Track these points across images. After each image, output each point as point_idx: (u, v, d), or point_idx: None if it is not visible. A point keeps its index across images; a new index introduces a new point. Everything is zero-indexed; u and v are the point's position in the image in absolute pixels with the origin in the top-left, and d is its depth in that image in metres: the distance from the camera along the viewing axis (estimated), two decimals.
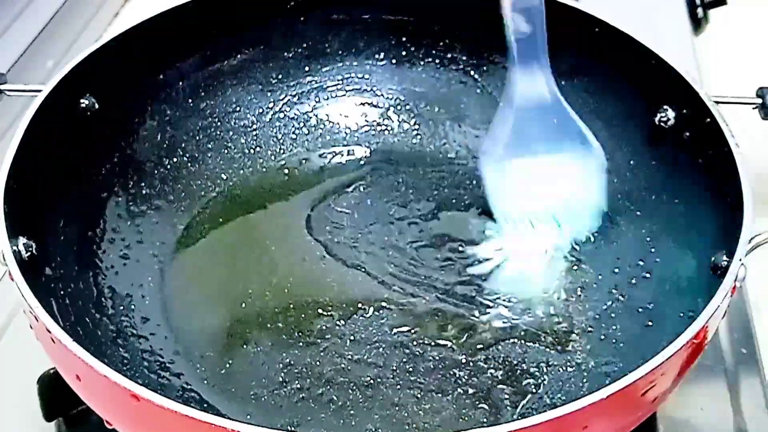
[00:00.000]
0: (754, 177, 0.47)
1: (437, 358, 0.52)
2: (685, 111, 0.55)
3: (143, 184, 0.60)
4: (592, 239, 0.58)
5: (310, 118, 0.66)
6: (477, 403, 0.50)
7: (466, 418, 0.49)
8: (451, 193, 0.63)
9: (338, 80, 0.66)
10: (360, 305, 0.55)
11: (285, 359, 0.52)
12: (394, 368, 0.52)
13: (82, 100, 0.55)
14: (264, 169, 0.64)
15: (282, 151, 0.65)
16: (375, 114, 0.66)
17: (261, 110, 0.65)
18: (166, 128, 0.62)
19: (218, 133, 0.64)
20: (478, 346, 0.53)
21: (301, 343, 0.53)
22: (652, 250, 0.56)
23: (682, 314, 0.49)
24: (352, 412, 0.49)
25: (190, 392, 0.50)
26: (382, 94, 0.67)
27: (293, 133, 0.66)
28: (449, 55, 0.66)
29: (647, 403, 0.42)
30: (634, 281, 0.55)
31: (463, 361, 0.52)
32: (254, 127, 0.65)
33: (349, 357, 0.52)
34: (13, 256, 0.44)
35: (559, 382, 0.51)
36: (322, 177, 0.64)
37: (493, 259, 0.58)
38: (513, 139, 0.58)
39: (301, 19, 0.64)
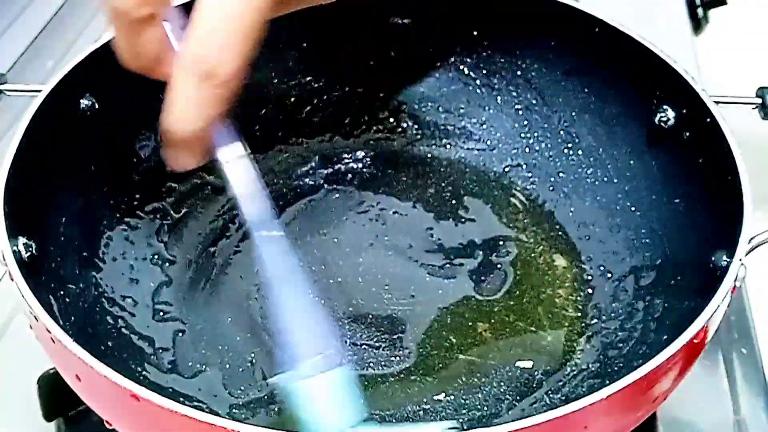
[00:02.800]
0: (754, 177, 0.47)
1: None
2: (685, 111, 0.55)
3: (143, 184, 0.60)
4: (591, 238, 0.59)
5: (311, 118, 0.66)
6: (476, 402, 0.50)
7: (466, 418, 0.49)
8: (451, 195, 0.63)
9: (338, 80, 0.66)
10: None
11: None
12: None
13: (82, 100, 0.55)
14: (264, 169, 0.64)
15: (282, 151, 0.65)
16: (375, 114, 0.66)
17: (261, 110, 0.65)
18: None
19: None
20: (479, 345, 0.53)
21: None
22: (652, 250, 0.56)
23: (682, 314, 0.49)
24: None
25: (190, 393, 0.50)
26: (382, 95, 0.67)
27: (293, 133, 0.66)
28: (449, 56, 0.66)
29: (647, 403, 0.42)
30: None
31: (462, 357, 0.52)
32: (254, 127, 0.65)
33: None
34: (13, 256, 0.44)
35: (558, 383, 0.51)
36: (322, 177, 0.64)
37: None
38: None
39: (302, 18, 0.64)
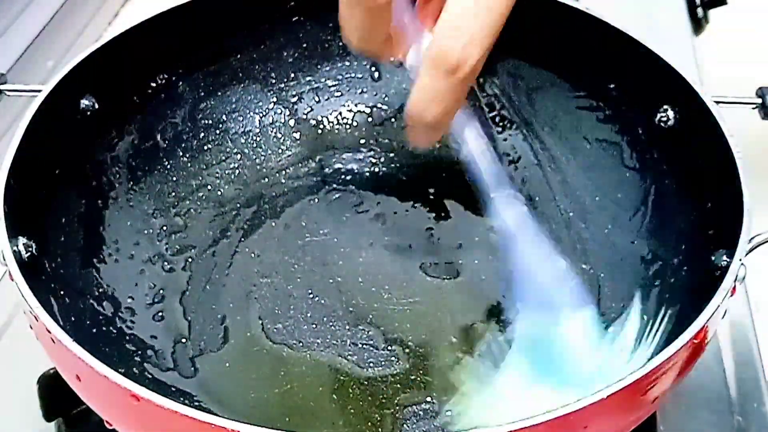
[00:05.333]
0: (754, 177, 0.47)
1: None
2: (685, 111, 0.55)
3: (143, 184, 0.60)
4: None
5: (311, 118, 0.66)
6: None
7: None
8: (450, 196, 0.63)
9: (338, 80, 0.66)
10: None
11: (289, 360, 0.52)
12: None
13: (82, 100, 0.55)
14: (264, 170, 0.64)
15: (282, 152, 0.65)
16: (375, 114, 0.66)
17: (261, 110, 0.65)
18: (167, 128, 0.62)
19: (218, 133, 0.64)
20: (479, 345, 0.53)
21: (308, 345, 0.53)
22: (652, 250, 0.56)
23: (682, 314, 0.49)
24: None
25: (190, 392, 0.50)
26: (382, 95, 0.67)
27: (293, 133, 0.66)
28: None
29: (647, 403, 0.42)
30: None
31: (462, 357, 0.52)
32: (254, 127, 0.65)
33: None
34: (13, 256, 0.44)
35: None
36: (322, 177, 0.64)
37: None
38: None
39: (302, 19, 0.64)
